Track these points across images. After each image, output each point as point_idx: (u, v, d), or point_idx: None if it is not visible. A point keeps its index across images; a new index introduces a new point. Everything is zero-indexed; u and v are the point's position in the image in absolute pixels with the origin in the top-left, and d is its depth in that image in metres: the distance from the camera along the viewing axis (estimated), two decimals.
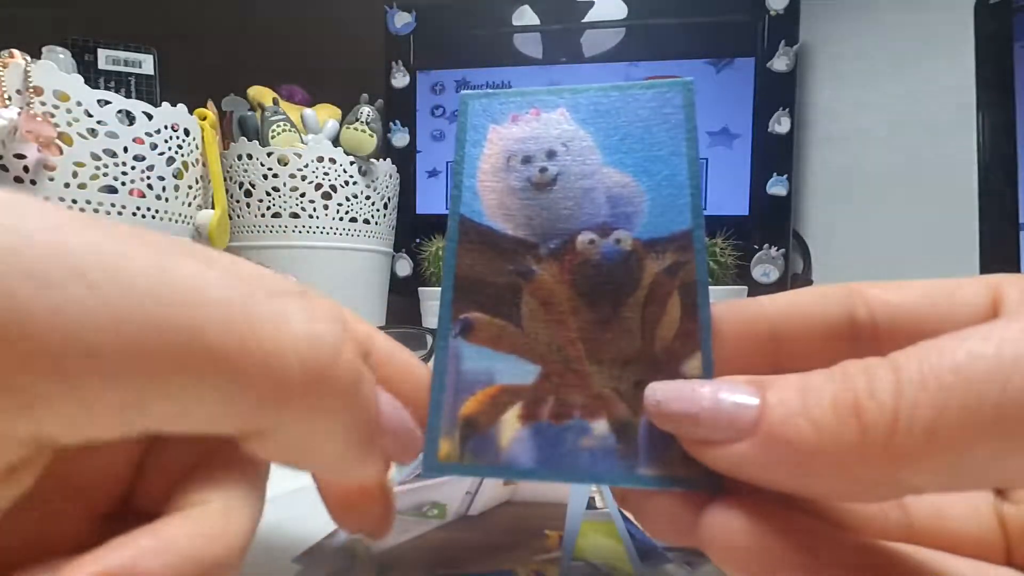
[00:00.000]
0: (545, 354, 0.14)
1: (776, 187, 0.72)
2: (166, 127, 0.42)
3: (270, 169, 0.55)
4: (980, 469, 0.09)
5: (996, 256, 0.48)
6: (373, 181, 0.60)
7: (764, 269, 0.72)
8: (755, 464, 0.11)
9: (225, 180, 0.55)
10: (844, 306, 0.14)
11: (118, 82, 0.51)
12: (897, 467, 0.09)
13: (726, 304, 0.14)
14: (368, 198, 0.59)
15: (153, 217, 0.41)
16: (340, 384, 0.10)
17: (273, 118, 0.56)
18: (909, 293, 0.13)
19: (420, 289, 0.69)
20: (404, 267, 0.80)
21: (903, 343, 0.11)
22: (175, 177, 0.42)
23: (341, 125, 0.57)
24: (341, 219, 0.57)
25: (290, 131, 0.57)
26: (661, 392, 0.12)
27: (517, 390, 0.14)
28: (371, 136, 0.56)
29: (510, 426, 0.14)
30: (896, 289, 0.13)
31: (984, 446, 0.09)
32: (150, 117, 0.40)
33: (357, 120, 0.56)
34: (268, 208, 0.56)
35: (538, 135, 0.16)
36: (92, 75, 0.50)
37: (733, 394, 0.11)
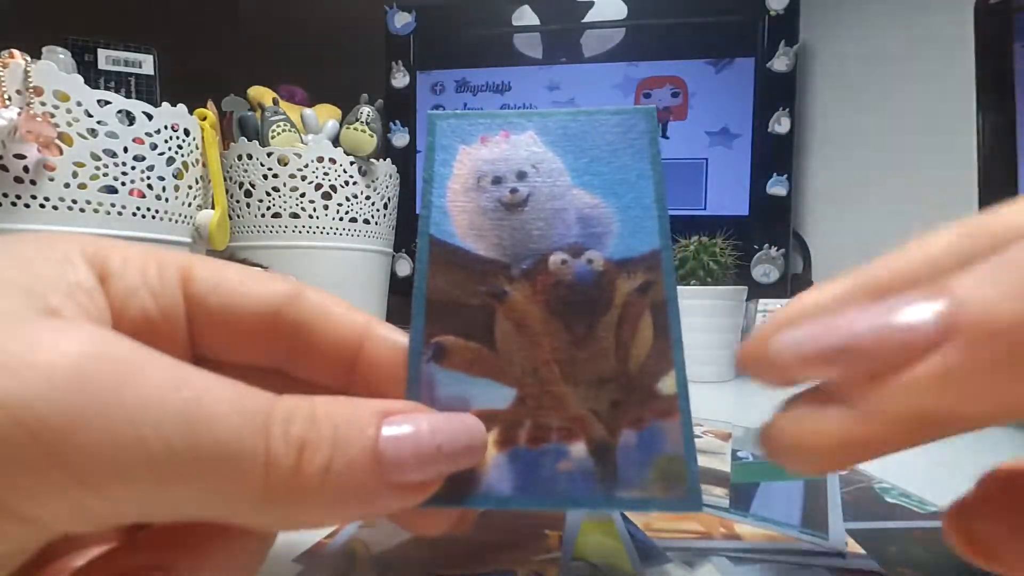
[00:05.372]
0: (520, 377, 0.14)
1: (776, 187, 0.72)
2: (166, 127, 0.42)
3: (270, 169, 0.55)
4: None
5: None
6: (373, 181, 0.60)
7: (764, 269, 0.72)
8: (963, 376, 0.08)
9: (225, 180, 0.54)
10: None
11: (118, 82, 0.51)
12: None
13: None
14: (368, 198, 0.59)
15: (153, 217, 0.41)
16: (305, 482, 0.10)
17: (273, 118, 0.56)
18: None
19: None
20: (404, 267, 0.80)
21: None
22: (175, 177, 0.42)
23: (341, 125, 0.57)
24: (341, 219, 0.57)
25: (290, 131, 0.57)
26: (803, 332, 0.10)
27: (493, 415, 0.14)
28: (371, 136, 0.56)
29: (487, 452, 0.13)
30: None
31: None
32: (150, 117, 0.40)
33: (357, 120, 0.56)
34: (268, 208, 0.56)
35: (508, 156, 0.16)
36: (92, 75, 0.50)
37: (908, 302, 0.09)
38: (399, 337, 0.15)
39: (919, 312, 0.09)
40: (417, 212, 0.79)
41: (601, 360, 0.14)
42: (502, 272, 0.15)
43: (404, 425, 0.11)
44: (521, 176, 0.16)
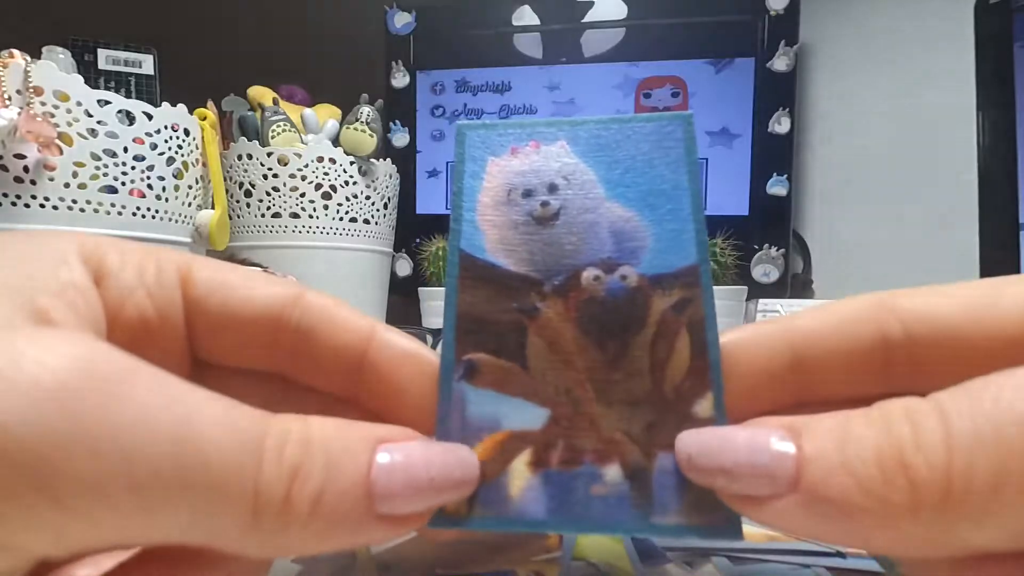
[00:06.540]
0: (553, 396, 0.14)
1: (776, 187, 0.72)
2: (166, 127, 0.42)
3: (270, 169, 0.55)
4: None
5: (996, 256, 0.48)
6: (373, 181, 0.60)
7: (764, 269, 0.72)
8: (800, 521, 0.10)
9: (225, 180, 0.54)
10: (875, 326, 0.12)
11: (118, 82, 0.51)
12: (954, 527, 0.09)
13: (743, 333, 0.14)
14: (368, 198, 0.59)
15: (153, 217, 0.41)
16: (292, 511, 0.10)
17: (273, 118, 0.56)
18: (947, 305, 0.12)
19: (420, 289, 0.69)
20: (404, 267, 0.80)
21: (943, 363, 0.10)
22: (175, 177, 0.42)
23: (341, 125, 0.57)
24: (341, 219, 0.57)
25: (290, 131, 0.57)
26: (693, 446, 0.12)
27: (525, 435, 0.13)
28: (371, 136, 0.56)
29: (520, 474, 0.13)
30: (931, 300, 0.12)
31: None
32: (150, 117, 0.40)
33: (357, 120, 0.56)
34: (268, 208, 0.56)
35: (539, 168, 0.15)
36: (92, 75, 0.50)
37: (768, 446, 0.10)
38: (407, 343, 0.14)
39: (777, 459, 0.10)
40: (417, 212, 0.79)
41: (635, 380, 0.13)
42: (533, 288, 0.14)
43: (397, 454, 0.11)
44: (552, 189, 0.15)
